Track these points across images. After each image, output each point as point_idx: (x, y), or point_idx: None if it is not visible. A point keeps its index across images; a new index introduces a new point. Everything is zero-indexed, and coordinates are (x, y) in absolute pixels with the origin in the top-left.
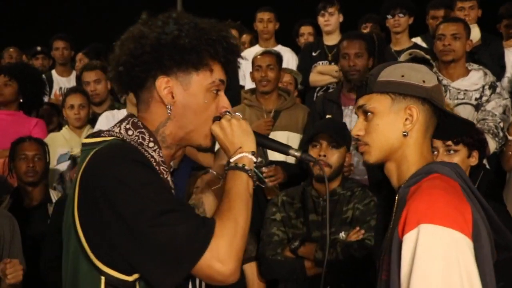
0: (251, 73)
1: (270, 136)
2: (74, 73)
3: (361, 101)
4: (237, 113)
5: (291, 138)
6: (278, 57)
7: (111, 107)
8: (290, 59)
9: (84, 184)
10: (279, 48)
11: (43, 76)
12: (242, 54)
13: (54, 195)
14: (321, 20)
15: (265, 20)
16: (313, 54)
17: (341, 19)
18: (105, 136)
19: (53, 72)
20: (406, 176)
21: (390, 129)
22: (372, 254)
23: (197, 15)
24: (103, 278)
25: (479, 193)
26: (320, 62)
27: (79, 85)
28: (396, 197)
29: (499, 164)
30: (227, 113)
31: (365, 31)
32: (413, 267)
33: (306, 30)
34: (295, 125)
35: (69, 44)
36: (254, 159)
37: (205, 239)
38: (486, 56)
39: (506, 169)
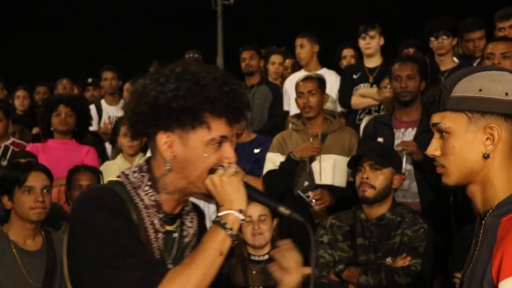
0: (296, 99)
1: (317, 160)
2: (122, 102)
3: (434, 119)
4: (232, 167)
5: (338, 161)
6: (320, 81)
7: None
8: (334, 82)
9: (69, 227)
10: (324, 71)
11: (93, 105)
12: (288, 79)
13: None
14: (362, 43)
15: (299, 45)
16: (354, 76)
17: (382, 42)
18: (113, 179)
19: (102, 101)
20: (494, 202)
21: (468, 151)
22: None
23: (236, 43)
24: None
25: None
26: (362, 85)
27: None
28: (482, 226)
29: None
30: (221, 167)
31: None
32: None
33: (348, 53)
34: (341, 148)
35: (117, 75)
36: (241, 217)
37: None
38: None
39: None
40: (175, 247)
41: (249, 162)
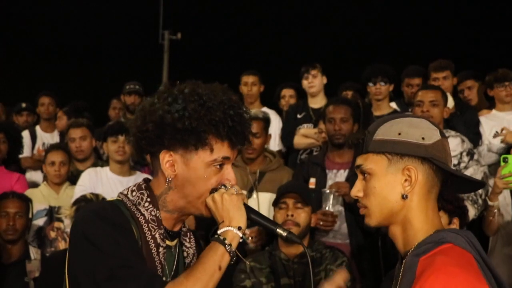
0: None
1: (254, 196)
2: (56, 130)
3: (358, 161)
4: (234, 187)
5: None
6: (266, 122)
7: (95, 164)
8: (274, 121)
9: (70, 238)
10: (264, 110)
11: (27, 131)
12: None
13: (33, 252)
14: (305, 83)
15: (249, 83)
16: (298, 116)
17: (324, 80)
18: (114, 197)
19: (37, 127)
20: (413, 242)
21: (388, 192)
22: None
23: (181, 78)
24: None
25: (493, 265)
26: (305, 125)
27: (62, 141)
28: (402, 265)
29: (480, 230)
30: (223, 186)
31: None
32: None
33: (287, 93)
34: (278, 187)
35: (54, 101)
36: (240, 234)
37: None
38: (461, 124)
39: (488, 234)
40: (175, 264)
41: None
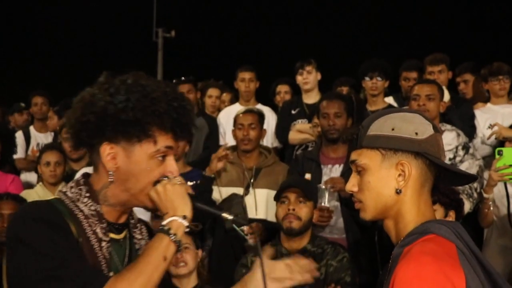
0: (233, 131)
1: (251, 193)
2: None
3: (353, 156)
4: (177, 178)
5: (271, 196)
6: (260, 116)
7: (89, 164)
8: (269, 118)
9: (6, 243)
10: (259, 107)
11: (21, 132)
12: (223, 111)
13: None
14: (299, 78)
15: (246, 80)
16: (292, 112)
17: (319, 76)
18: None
19: (31, 128)
20: (403, 234)
21: (382, 186)
22: None
23: (176, 75)
24: None
25: (482, 255)
26: (300, 120)
27: (55, 141)
28: (391, 256)
29: (476, 223)
30: (166, 178)
31: None
32: None
33: (282, 89)
34: (275, 182)
35: (48, 100)
36: (186, 223)
37: None
38: (456, 118)
39: (483, 226)
40: (126, 256)
41: None
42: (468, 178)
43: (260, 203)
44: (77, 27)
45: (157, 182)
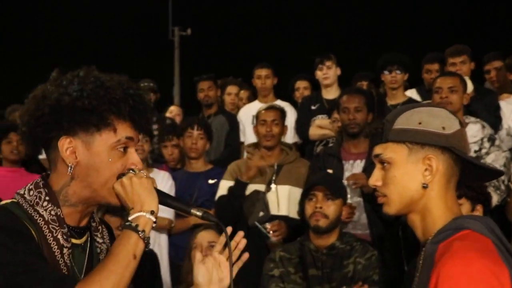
0: (255, 128)
1: (273, 190)
2: None
3: (377, 150)
4: (142, 171)
5: (293, 192)
6: (282, 112)
7: None
8: (289, 114)
9: None
10: (278, 103)
11: None
12: (243, 109)
13: None
14: (319, 74)
15: (263, 77)
16: (312, 107)
17: (338, 72)
18: (10, 199)
19: None
20: (433, 230)
21: (408, 181)
22: None
23: (193, 73)
24: None
25: None
26: (320, 116)
27: None
28: (422, 253)
29: (503, 216)
30: (131, 171)
31: None
32: None
33: (301, 85)
34: (297, 179)
35: None
36: (153, 219)
37: None
38: (481, 109)
39: (511, 219)
40: (86, 262)
41: (203, 193)
42: (494, 173)
43: (282, 200)
44: (92, 27)
45: (122, 175)
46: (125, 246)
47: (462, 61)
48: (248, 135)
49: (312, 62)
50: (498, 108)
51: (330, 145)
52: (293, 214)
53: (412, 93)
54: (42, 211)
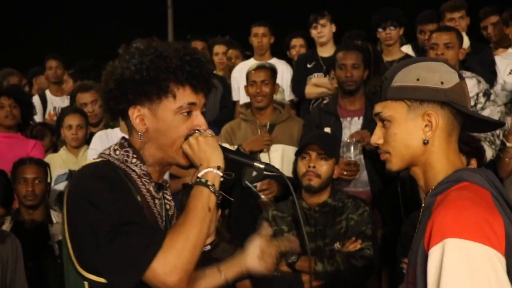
0: (246, 87)
1: (265, 149)
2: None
3: (377, 108)
4: (207, 131)
5: (286, 151)
6: (273, 71)
7: (106, 127)
8: (284, 72)
9: (67, 200)
10: (274, 61)
11: (37, 96)
12: (238, 66)
13: (55, 216)
14: (314, 32)
15: (259, 35)
16: (308, 65)
17: (333, 29)
18: (97, 158)
19: (47, 91)
20: (433, 183)
21: (409, 138)
22: (373, 263)
23: (188, 33)
24: (86, 283)
25: None
26: (316, 74)
27: (72, 104)
28: (423, 204)
29: (495, 171)
30: (196, 131)
31: None
32: (440, 285)
33: (297, 42)
34: (290, 137)
35: (62, 64)
36: (220, 174)
37: (153, 252)
38: (477, 64)
39: (503, 176)
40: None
41: None
42: (494, 125)
43: (275, 159)
44: None
45: (188, 136)
46: (200, 201)
47: (461, 16)
48: (242, 94)
49: (307, 19)
50: (493, 63)
51: (324, 102)
52: (287, 172)
53: (408, 49)
54: (134, 167)
